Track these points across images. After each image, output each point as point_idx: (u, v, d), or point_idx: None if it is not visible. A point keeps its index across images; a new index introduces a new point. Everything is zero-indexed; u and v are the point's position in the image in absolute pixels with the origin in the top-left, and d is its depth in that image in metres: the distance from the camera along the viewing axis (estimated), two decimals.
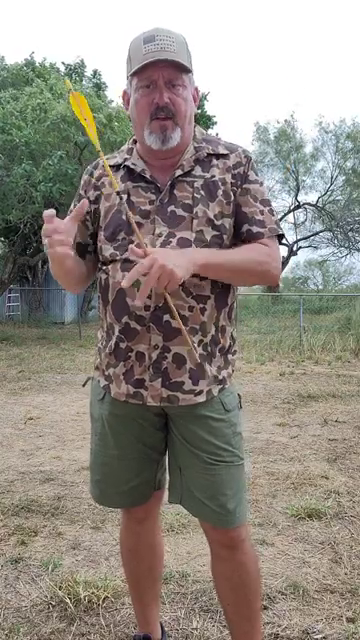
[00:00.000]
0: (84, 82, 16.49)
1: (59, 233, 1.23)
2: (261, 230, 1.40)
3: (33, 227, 13.11)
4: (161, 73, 1.30)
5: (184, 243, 1.33)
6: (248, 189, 1.42)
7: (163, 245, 1.33)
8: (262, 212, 1.41)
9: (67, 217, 1.27)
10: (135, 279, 1.20)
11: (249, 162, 1.43)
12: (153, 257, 1.19)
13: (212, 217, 1.36)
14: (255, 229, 1.40)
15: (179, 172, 1.38)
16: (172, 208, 1.36)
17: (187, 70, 1.33)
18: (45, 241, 1.25)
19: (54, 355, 9.59)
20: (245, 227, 1.40)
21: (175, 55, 1.29)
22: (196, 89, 1.41)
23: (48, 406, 5.53)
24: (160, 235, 1.34)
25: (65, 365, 8.44)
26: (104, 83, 16.79)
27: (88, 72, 17.34)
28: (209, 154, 1.42)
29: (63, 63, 17.31)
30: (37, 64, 16.08)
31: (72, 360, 9.02)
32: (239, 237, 1.41)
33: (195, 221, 1.34)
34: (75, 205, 1.50)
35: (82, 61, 17.16)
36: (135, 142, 1.46)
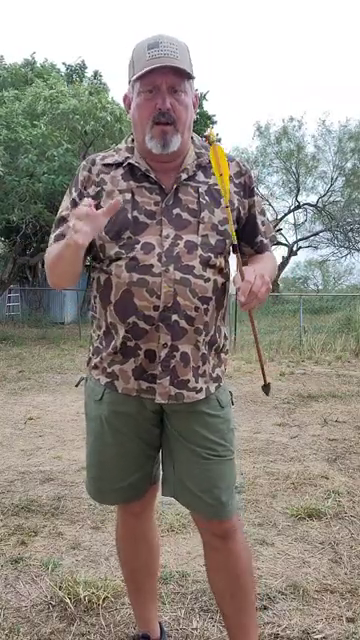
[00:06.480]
0: (84, 83, 16.48)
1: (91, 220, 1.24)
2: (266, 241, 1.56)
3: (35, 227, 13.08)
4: (164, 79, 1.32)
5: (191, 246, 1.38)
6: (254, 202, 1.52)
7: (171, 247, 1.36)
8: (263, 223, 1.55)
9: (100, 211, 1.27)
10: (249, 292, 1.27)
11: (248, 172, 1.51)
12: (255, 271, 1.29)
13: (217, 222, 1.41)
14: (265, 240, 1.55)
15: (184, 176, 1.42)
16: (177, 211, 1.39)
17: (189, 77, 1.35)
18: (72, 222, 1.24)
19: (54, 355, 9.59)
20: (258, 239, 1.54)
21: (178, 62, 1.32)
22: (196, 95, 1.44)
23: (48, 406, 5.53)
24: (167, 237, 1.37)
25: (65, 365, 8.44)
26: (105, 84, 16.79)
27: (89, 73, 17.35)
28: (210, 161, 1.44)
29: (64, 64, 17.35)
30: (38, 64, 16.07)
31: (72, 360, 9.01)
32: (252, 246, 1.54)
33: (201, 226, 1.39)
34: (71, 198, 1.48)
35: (83, 62, 17.20)
36: (133, 141, 1.47)
